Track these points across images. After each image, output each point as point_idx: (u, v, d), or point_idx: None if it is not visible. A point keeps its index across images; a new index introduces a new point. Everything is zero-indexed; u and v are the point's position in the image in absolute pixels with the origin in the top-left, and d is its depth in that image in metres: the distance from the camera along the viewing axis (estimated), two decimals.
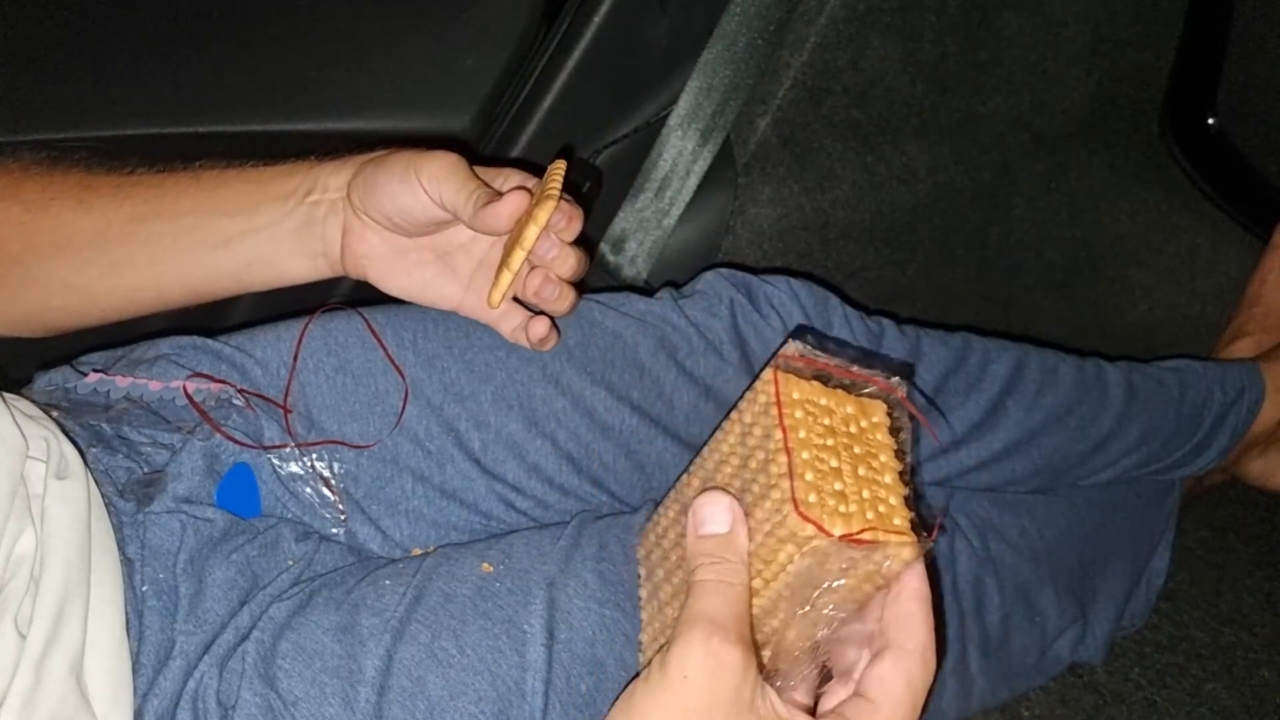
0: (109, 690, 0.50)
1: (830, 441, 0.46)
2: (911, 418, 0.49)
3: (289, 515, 0.63)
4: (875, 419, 0.49)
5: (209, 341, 0.66)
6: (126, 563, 0.55)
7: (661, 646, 0.44)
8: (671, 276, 0.97)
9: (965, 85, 1.09)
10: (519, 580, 0.59)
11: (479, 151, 0.91)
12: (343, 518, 0.64)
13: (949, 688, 0.75)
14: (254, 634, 0.57)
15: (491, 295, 0.60)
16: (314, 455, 0.64)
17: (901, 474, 0.47)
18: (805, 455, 0.44)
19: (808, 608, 0.45)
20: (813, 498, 0.43)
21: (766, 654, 0.47)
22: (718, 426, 0.50)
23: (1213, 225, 1.18)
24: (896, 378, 0.50)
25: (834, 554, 0.43)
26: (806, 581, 0.44)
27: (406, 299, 0.66)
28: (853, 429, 0.47)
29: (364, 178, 0.61)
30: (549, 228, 0.58)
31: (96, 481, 0.57)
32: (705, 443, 0.51)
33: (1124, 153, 1.19)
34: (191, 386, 0.62)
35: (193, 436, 0.61)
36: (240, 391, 0.63)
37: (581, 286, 0.65)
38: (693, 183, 0.96)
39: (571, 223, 0.59)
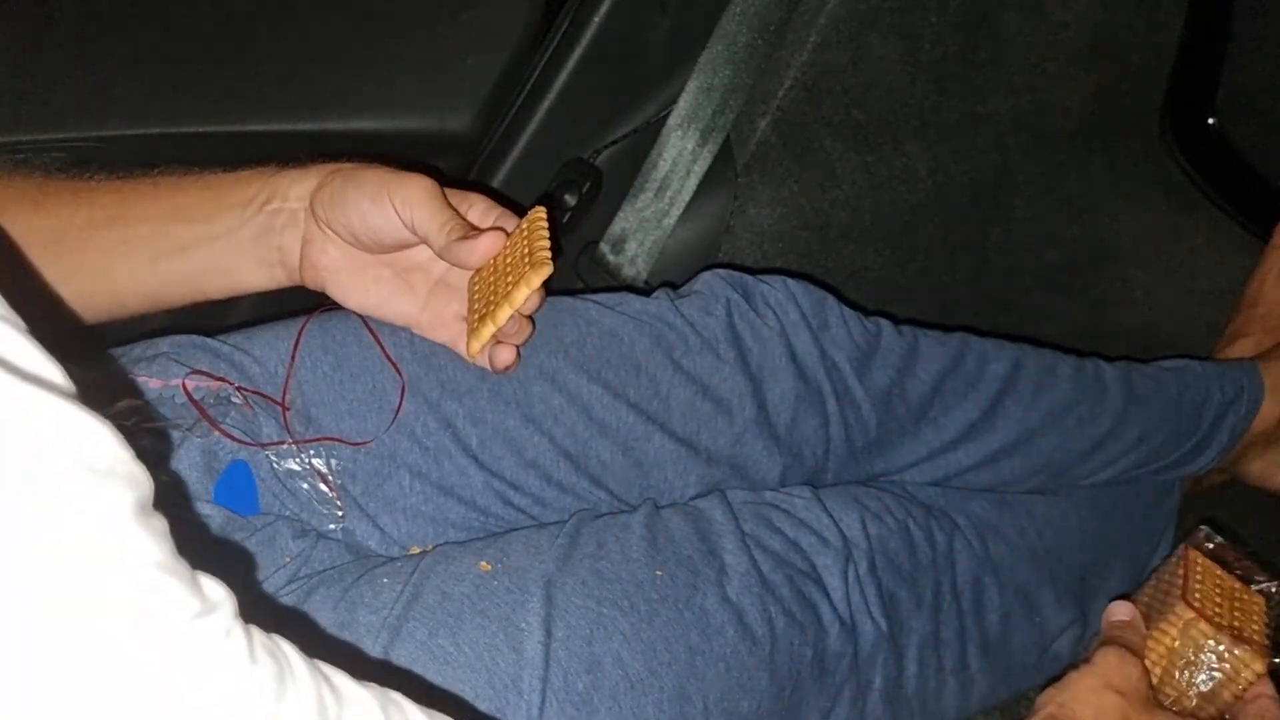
0: None
1: (1217, 590, 0.67)
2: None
3: (286, 512, 0.63)
4: (1253, 601, 0.68)
5: (208, 340, 0.66)
6: None
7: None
8: (671, 276, 0.98)
9: (965, 85, 1.09)
10: (516, 578, 0.60)
11: (479, 151, 0.92)
12: (340, 514, 0.64)
13: (949, 687, 0.75)
14: None
15: (470, 345, 0.60)
16: (311, 452, 0.64)
17: (1267, 642, 0.65)
18: (1197, 588, 0.66)
19: (1183, 680, 0.64)
20: (1196, 601, 0.65)
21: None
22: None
23: (1213, 225, 1.18)
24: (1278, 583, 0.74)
25: (1204, 642, 0.63)
26: (1186, 658, 0.64)
27: (363, 314, 0.66)
28: (1235, 598, 0.67)
29: (331, 191, 0.60)
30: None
31: None
32: None
33: (1124, 153, 1.18)
34: (191, 384, 0.63)
35: (191, 434, 0.61)
36: (239, 389, 0.63)
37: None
38: (693, 183, 0.96)
39: (543, 299, 0.60)
